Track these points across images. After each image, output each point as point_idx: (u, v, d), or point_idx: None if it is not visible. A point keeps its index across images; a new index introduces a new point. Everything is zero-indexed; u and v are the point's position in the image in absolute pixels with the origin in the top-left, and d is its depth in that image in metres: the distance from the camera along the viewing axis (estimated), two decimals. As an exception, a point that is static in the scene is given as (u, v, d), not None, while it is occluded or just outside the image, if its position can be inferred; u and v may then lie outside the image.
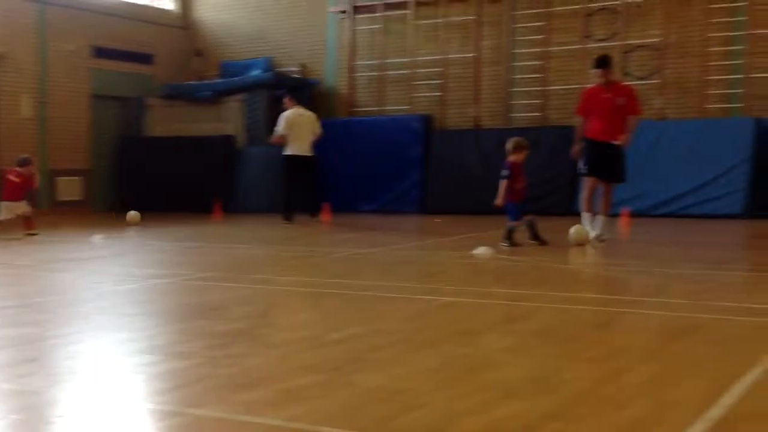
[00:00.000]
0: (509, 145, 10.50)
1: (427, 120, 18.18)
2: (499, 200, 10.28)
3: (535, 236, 10.31)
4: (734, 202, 14.93)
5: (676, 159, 15.51)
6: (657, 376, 4.17)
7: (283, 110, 16.31)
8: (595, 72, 11.01)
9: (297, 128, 15.46)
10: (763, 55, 15.90)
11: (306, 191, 15.64)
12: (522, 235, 10.28)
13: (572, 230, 10.31)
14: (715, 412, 3.50)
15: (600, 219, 10.70)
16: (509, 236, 10.12)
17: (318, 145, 16.37)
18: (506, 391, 3.86)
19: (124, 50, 20.34)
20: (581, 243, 10.20)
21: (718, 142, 15.25)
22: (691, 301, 6.40)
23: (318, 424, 3.38)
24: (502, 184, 10.25)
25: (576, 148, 10.92)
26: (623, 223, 13.50)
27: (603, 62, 10.93)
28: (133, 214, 15.46)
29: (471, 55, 18.33)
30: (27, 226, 12.48)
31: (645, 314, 5.92)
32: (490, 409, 3.58)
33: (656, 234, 12.56)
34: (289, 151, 15.35)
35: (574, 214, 15.92)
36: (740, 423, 3.42)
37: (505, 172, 10.26)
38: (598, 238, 10.48)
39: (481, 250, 9.22)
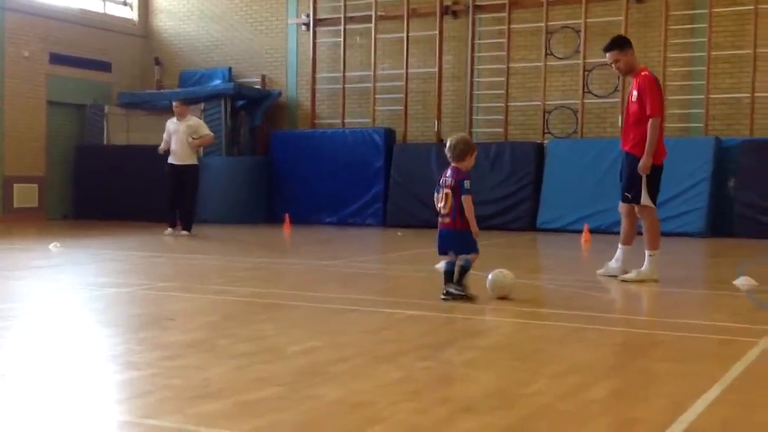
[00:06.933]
0: (463, 146, 7.25)
1: (388, 133, 18.19)
2: (475, 228, 7.15)
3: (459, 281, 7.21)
4: (695, 221, 15.06)
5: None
6: (618, 393, 4.17)
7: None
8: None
9: None
10: (722, 76, 16.10)
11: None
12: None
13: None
14: (676, 429, 3.50)
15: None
16: (462, 279, 7.15)
17: (277, 156, 16.29)
18: (467, 405, 3.83)
19: (82, 57, 20.14)
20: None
21: (678, 161, 15.36)
22: (652, 317, 6.42)
23: (277, 437, 3.34)
24: (469, 202, 7.13)
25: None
26: (583, 240, 13.57)
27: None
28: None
29: (433, 69, 18.38)
30: None
31: (606, 330, 5.92)
32: (451, 423, 3.55)
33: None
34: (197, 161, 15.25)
35: (535, 230, 16.12)
36: (701, 440, 3.42)
37: (468, 184, 7.10)
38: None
39: (443, 265, 9.18)
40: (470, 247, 7.13)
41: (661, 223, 8.83)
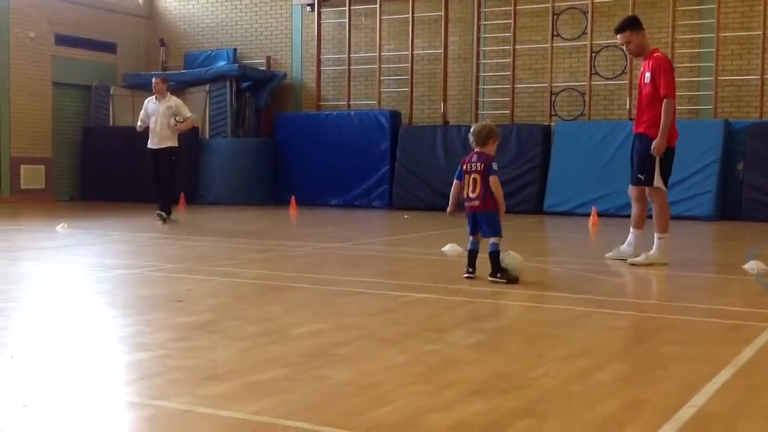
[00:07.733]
0: (486, 132, 7.37)
1: (394, 115, 18.15)
2: (503, 206, 7.33)
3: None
4: (704, 204, 14.99)
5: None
6: (627, 376, 4.16)
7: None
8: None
9: None
10: (732, 58, 16.02)
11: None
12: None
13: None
14: (686, 412, 3.49)
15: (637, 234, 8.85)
16: (498, 266, 7.21)
17: (283, 138, 16.13)
18: (474, 387, 3.82)
19: (87, 38, 20.15)
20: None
21: (687, 144, 15.29)
22: (661, 301, 6.41)
23: (285, 418, 3.33)
24: (497, 182, 7.28)
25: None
26: (591, 223, 13.55)
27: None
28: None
29: (438, 51, 18.31)
30: None
31: (614, 314, 5.91)
32: (459, 405, 3.54)
33: (624, 234, 12.56)
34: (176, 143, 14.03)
35: (542, 214, 16.10)
36: (710, 423, 3.40)
37: (495, 165, 7.27)
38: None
39: (450, 247, 9.20)
40: (497, 229, 7.25)
41: (670, 206, 8.80)
